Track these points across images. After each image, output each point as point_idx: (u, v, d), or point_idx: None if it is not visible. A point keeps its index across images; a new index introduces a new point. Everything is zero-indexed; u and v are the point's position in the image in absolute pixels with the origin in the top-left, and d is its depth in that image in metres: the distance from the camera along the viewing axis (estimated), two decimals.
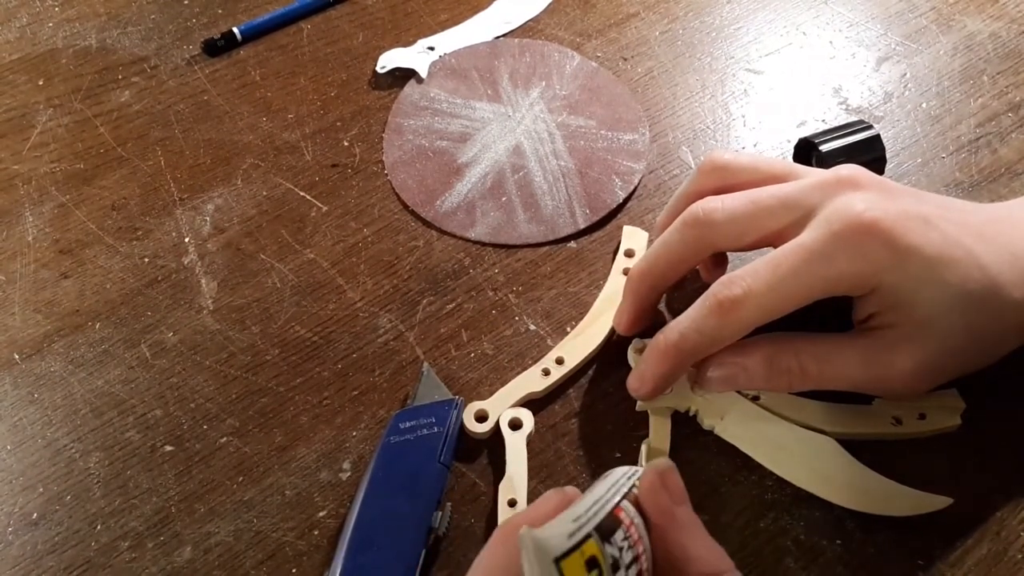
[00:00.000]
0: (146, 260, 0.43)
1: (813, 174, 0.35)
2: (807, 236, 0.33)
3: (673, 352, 0.34)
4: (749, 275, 0.33)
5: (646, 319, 0.38)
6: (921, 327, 0.33)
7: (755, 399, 0.36)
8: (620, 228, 0.44)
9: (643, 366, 0.35)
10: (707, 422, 0.36)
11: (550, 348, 0.39)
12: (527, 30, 0.53)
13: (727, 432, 0.36)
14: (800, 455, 0.35)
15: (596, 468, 0.36)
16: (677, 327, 0.34)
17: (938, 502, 0.34)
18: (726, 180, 0.37)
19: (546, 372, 0.38)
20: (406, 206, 0.45)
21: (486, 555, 0.28)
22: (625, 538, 0.26)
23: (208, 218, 0.44)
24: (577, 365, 0.39)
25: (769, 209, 0.34)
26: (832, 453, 0.35)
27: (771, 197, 0.35)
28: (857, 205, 0.33)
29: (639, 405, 0.37)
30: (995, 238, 0.34)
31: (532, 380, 0.38)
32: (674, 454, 0.36)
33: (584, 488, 0.36)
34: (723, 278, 0.33)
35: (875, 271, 0.32)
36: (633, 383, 0.36)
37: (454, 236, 0.44)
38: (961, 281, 0.32)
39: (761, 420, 0.36)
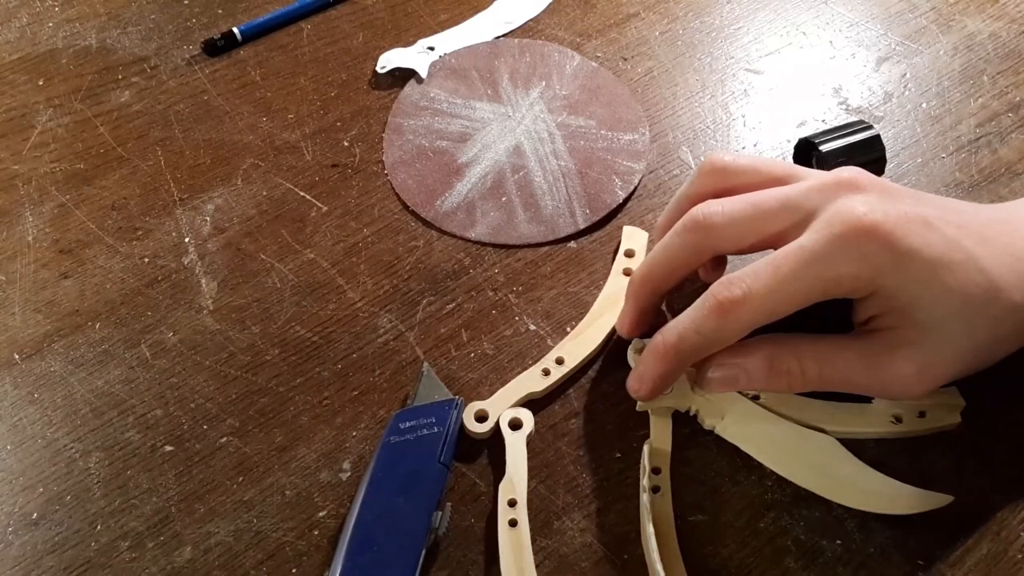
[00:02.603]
0: (146, 260, 0.43)
1: (813, 176, 0.35)
2: (808, 238, 0.33)
3: (672, 353, 0.34)
4: (749, 276, 0.33)
5: (648, 322, 0.38)
6: (921, 331, 0.33)
7: (755, 398, 0.37)
8: (620, 228, 0.44)
9: (642, 367, 0.35)
10: (707, 422, 0.36)
11: (550, 348, 0.39)
12: (527, 30, 0.53)
13: (727, 432, 0.36)
14: (801, 454, 0.35)
15: (596, 468, 0.36)
16: (676, 328, 0.34)
17: (939, 499, 0.34)
18: (726, 182, 0.37)
19: (546, 372, 0.38)
20: (406, 206, 0.45)
21: None
22: None
23: (208, 218, 0.44)
24: (577, 365, 0.39)
25: (770, 212, 0.34)
26: (832, 451, 0.35)
27: (771, 200, 0.35)
28: (858, 208, 0.33)
29: (639, 405, 0.37)
30: (996, 240, 0.34)
31: (532, 380, 0.38)
32: (674, 454, 0.36)
33: (580, 488, 0.36)
34: (723, 279, 0.33)
35: (875, 274, 0.32)
36: (632, 384, 0.36)
37: (454, 236, 0.44)
38: (961, 285, 0.32)
39: (761, 419, 0.36)
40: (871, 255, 0.32)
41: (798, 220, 0.34)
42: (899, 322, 0.33)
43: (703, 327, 0.33)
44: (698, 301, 0.34)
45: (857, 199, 0.33)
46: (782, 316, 0.33)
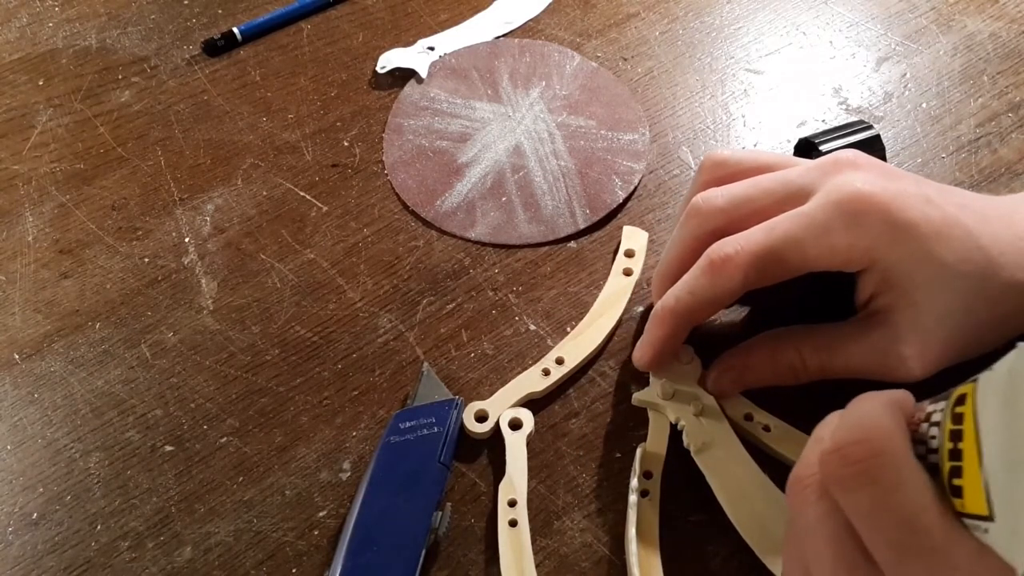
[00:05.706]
0: (146, 260, 0.43)
1: (812, 161, 0.36)
2: (806, 207, 0.33)
3: (668, 316, 0.34)
4: (743, 237, 0.33)
5: (669, 351, 0.36)
6: (918, 309, 0.33)
7: (766, 429, 0.36)
8: (620, 228, 0.44)
9: (644, 335, 0.36)
10: (688, 442, 0.35)
11: (550, 348, 0.39)
12: (527, 30, 0.53)
13: (702, 458, 0.35)
14: (760, 511, 0.33)
15: (596, 468, 0.36)
16: (673, 292, 0.35)
17: None
18: (727, 172, 0.37)
19: (546, 372, 0.38)
20: (406, 206, 0.45)
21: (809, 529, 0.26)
22: None
23: (208, 218, 0.44)
24: (577, 365, 0.39)
25: (769, 190, 0.35)
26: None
27: (771, 180, 0.35)
28: (856, 182, 0.33)
29: (634, 399, 0.37)
30: (997, 219, 0.34)
31: (532, 380, 0.38)
32: (676, 453, 0.36)
33: (580, 488, 0.36)
34: (718, 241, 0.34)
35: (871, 245, 0.32)
36: (636, 353, 0.37)
37: (454, 236, 0.44)
38: (959, 260, 0.32)
39: (741, 464, 0.34)
40: (868, 226, 0.32)
41: (798, 197, 0.34)
42: (896, 301, 0.33)
43: (695, 287, 0.34)
44: (694, 264, 0.34)
45: (856, 175, 0.33)
46: (773, 280, 0.33)
